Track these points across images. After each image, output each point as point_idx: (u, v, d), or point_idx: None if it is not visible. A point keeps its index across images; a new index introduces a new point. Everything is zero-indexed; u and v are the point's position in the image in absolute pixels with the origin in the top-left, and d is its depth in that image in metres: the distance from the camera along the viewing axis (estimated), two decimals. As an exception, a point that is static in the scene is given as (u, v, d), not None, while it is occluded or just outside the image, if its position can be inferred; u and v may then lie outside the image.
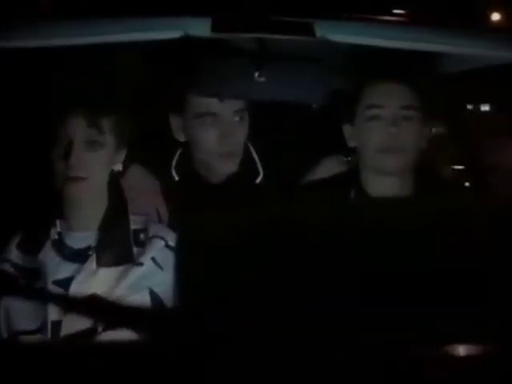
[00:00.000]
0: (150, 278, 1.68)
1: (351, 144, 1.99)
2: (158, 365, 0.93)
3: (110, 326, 1.50)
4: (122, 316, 1.03)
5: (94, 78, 1.71)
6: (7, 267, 1.71)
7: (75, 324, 1.60)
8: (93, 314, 1.13)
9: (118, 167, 1.77)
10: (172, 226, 1.84)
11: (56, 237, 1.72)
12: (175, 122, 2.06)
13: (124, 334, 1.06)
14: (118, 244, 1.71)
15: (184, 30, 1.64)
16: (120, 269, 1.69)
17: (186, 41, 1.66)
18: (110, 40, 1.68)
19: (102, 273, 1.67)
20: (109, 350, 1.05)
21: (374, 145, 1.92)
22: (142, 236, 1.73)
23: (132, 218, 1.76)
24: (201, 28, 1.65)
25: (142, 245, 1.72)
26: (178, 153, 2.12)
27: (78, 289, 1.65)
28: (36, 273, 1.69)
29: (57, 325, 1.63)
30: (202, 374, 0.91)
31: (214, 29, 1.65)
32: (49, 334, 1.63)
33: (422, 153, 1.95)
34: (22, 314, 1.65)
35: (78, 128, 1.67)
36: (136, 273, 1.68)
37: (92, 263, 1.68)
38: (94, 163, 1.69)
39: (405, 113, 1.91)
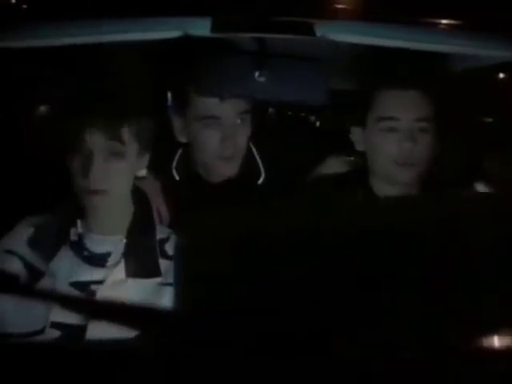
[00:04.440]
0: None
1: (359, 148, 1.97)
2: (156, 366, 0.93)
3: (116, 327, 1.49)
4: (124, 317, 1.03)
5: (107, 84, 1.65)
6: (17, 264, 1.66)
7: (86, 326, 1.58)
8: (100, 316, 1.13)
9: (142, 173, 1.75)
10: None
11: (75, 238, 1.69)
12: (177, 123, 2.06)
13: (124, 334, 1.06)
14: (144, 253, 1.68)
15: (184, 30, 1.64)
16: (149, 282, 1.66)
17: (186, 41, 1.67)
18: (111, 40, 1.68)
19: (130, 283, 1.64)
20: (109, 350, 1.05)
21: (388, 158, 1.89)
22: (167, 247, 1.71)
23: (157, 227, 1.75)
24: (201, 28, 1.66)
25: (170, 258, 1.69)
26: (179, 153, 2.13)
27: (105, 296, 1.61)
28: (49, 272, 1.64)
29: (63, 326, 1.61)
30: (201, 376, 0.92)
31: (213, 29, 1.65)
32: (56, 336, 1.61)
33: (432, 160, 1.92)
34: (28, 314, 1.63)
35: (97, 140, 1.61)
36: (170, 291, 1.65)
37: (120, 271, 1.65)
38: (116, 174, 1.64)
39: (420, 125, 1.87)
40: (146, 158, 1.72)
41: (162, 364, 0.93)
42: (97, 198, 1.63)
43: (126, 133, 1.63)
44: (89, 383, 0.94)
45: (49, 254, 1.66)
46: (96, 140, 1.60)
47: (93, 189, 1.62)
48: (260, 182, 2.11)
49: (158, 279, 1.66)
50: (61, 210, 1.72)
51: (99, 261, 1.67)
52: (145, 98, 1.68)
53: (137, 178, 1.75)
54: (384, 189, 1.93)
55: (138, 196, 1.76)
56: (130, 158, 1.65)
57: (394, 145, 1.88)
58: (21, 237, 1.69)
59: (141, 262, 1.67)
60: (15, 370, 0.95)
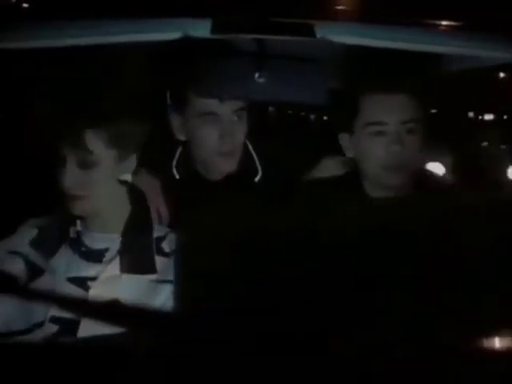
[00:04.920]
0: None
1: (349, 154, 1.97)
2: (154, 363, 0.93)
3: (115, 326, 1.49)
4: (122, 316, 1.03)
5: (88, 88, 1.61)
6: (20, 263, 1.66)
7: (82, 322, 1.59)
8: (101, 315, 1.13)
9: (127, 177, 1.72)
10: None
11: (74, 235, 1.71)
12: (176, 121, 2.08)
13: (121, 331, 1.06)
14: (140, 250, 1.68)
15: (184, 31, 1.65)
16: (144, 279, 1.66)
17: (187, 42, 1.67)
18: (110, 41, 1.68)
19: (125, 279, 1.65)
20: (107, 348, 1.05)
21: (377, 162, 1.89)
22: (164, 244, 1.71)
23: (154, 226, 1.75)
24: (201, 29, 1.66)
25: (166, 256, 1.69)
26: (179, 152, 2.14)
27: (100, 292, 1.62)
28: (49, 269, 1.66)
29: (63, 321, 1.61)
30: (198, 375, 0.92)
31: (213, 30, 1.65)
32: (55, 330, 1.62)
33: (422, 160, 1.92)
34: (28, 309, 1.63)
35: (67, 148, 1.60)
36: (166, 288, 1.65)
37: (115, 267, 1.66)
38: (92, 181, 1.63)
39: (407, 127, 1.87)
40: (131, 161, 1.70)
41: (160, 361, 0.93)
42: (77, 202, 1.64)
43: (95, 141, 1.61)
44: (87, 381, 0.95)
45: (50, 253, 1.68)
46: (68, 148, 1.61)
47: (71, 194, 1.64)
48: (257, 179, 2.12)
49: (154, 276, 1.67)
50: (61, 211, 1.72)
51: (96, 256, 1.68)
52: (125, 103, 1.65)
53: (120, 180, 1.72)
54: (376, 192, 1.93)
55: (135, 195, 1.76)
56: (105, 165, 1.64)
57: (383, 149, 1.88)
58: (24, 238, 1.70)
59: (136, 259, 1.67)
60: (13, 368, 0.96)
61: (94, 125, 1.60)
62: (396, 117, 1.87)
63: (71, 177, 1.62)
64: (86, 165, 1.62)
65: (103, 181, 1.66)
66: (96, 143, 1.61)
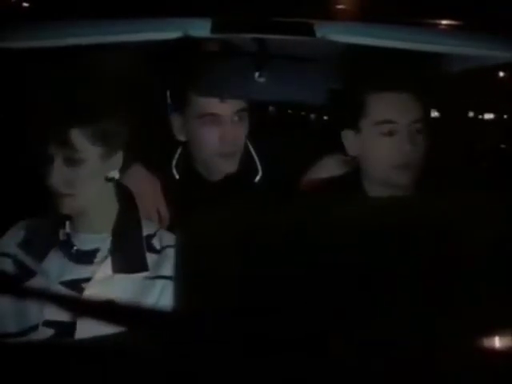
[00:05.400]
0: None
1: (352, 153, 1.96)
2: (153, 367, 0.93)
3: (114, 327, 1.49)
4: (124, 317, 1.03)
5: (79, 85, 1.62)
6: (9, 265, 1.68)
7: (77, 325, 1.59)
8: (99, 316, 1.13)
9: (114, 175, 1.70)
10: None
11: (64, 238, 1.71)
12: (176, 121, 2.07)
13: (117, 332, 1.06)
14: (131, 249, 1.68)
15: (184, 31, 1.65)
16: (137, 277, 1.66)
17: (187, 41, 1.67)
18: (110, 41, 1.68)
19: (118, 279, 1.65)
20: (108, 352, 1.05)
21: (386, 160, 1.88)
22: (154, 241, 1.71)
23: (143, 222, 1.74)
24: (201, 28, 1.66)
25: (157, 252, 1.70)
26: (179, 152, 2.14)
27: (93, 293, 1.62)
28: (41, 273, 1.66)
29: (57, 325, 1.62)
30: (200, 377, 0.92)
31: (213, 29, 1.65)
32: (50, 334, 1.62)
33: (427, 159, 1.92)
34: (21, 313, 1.64)
35: (54, 145, 1.61)
36: (159, 285, 1.66)
37: (107, 268, 1.66)
38: (78, 179, 1.63)
39: (417, 126, 1.87)
40: (117, 159, 1.69)
41: (159, 362, 0.93)
42: (65, 200, 1.64)
43: (80, 139, 1.61)
44: (83, 382, 0.95)
45: (40, 255, 1.68)
46: (54, 145, 1.61)
47: (58, 192, 1.63)
48: (257, 180, 2.12)
49: (146, 273, 1.67)
50: (50, 212, 1.72)
51: (87, 258, 1.68)
52: (107, 100, 1.64)
53: (109, 179, 1.71)
54: (380, 191, 1.92)
55: (122, 193, 1.75)
56: (91, 162, 1.64)
57: (393, 148, 1.87)
58: (13, 240, 1.71)
59: (127, 258, 1.67)
60: (11, 370, 0.96)
61: (80, 122, 1.60)
62: (407, 115, 1.87)
63: (58, 175, 1.62)
64: (72, 162, 1.61)
65: (90, 178, 1.65)
66: (81, 141, 1.61)
